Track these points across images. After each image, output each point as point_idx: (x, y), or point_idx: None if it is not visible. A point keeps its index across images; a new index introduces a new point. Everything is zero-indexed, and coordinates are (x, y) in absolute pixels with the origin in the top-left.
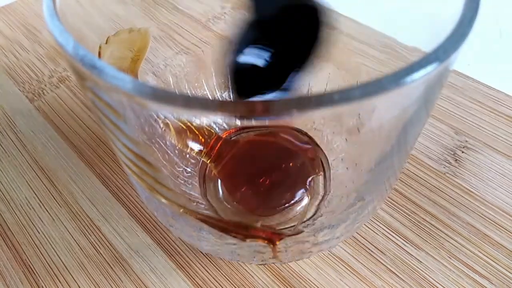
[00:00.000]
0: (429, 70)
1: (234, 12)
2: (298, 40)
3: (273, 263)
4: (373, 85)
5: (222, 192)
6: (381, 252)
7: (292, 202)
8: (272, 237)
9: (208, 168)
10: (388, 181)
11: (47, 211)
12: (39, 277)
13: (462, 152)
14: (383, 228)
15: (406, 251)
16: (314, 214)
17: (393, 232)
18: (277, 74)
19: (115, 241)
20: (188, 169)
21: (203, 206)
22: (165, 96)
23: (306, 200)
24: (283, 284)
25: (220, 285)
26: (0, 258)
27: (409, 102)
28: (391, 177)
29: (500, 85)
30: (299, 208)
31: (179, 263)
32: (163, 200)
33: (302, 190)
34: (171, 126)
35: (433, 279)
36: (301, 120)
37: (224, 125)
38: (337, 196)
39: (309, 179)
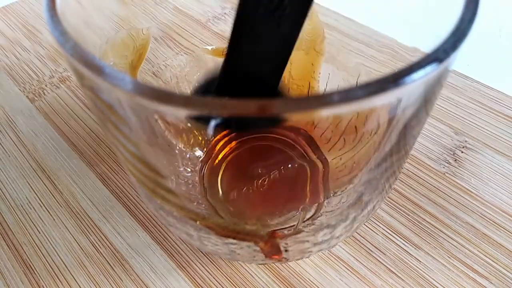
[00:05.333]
0: (429, 70)
1: (234, 12)
2: None
3: (273, 262)
4: (373, 85)
5: (222, 193)
6: (381, 251)
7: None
8: (275, 255)
9: (207, 168)
10: (388, 181)
11: (47, 211)
12: (40, 276)
13: (462, 152)
14: (382, 228)
15: (406, 250)
16: (313, 214)
17: (393, 232)
18: None
19: (115, 241)
20: (189, 169)
21: (203, 206)
22: (165, 96)
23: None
24: (283, 283)
25: (220, 285)
26: (1, 258)
27: (408, 103)
28: (391, 177)
29: (499, 85)
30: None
31: (180, 263)
32: (162, 202)
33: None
34: (171, 126)
35: (432, 278)
36: (301, 120)
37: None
38: (336, 196)
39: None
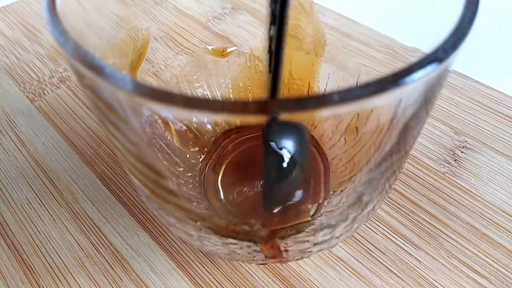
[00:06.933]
0: (429, 70)
1: (234, 12)
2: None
3: (273, 263)
4: (373, 85)
5: (222, 193)
6: (381, 251)
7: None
8: (275, 255)
9: (208, 168)
10: (388, 181)
11: (47, 211)
12: (40, 276)
13: (462, 152)
14: (382, 228)
15: (406, 250)
16: (314, 214)
17: (393, 232)
18: None
19: (115, 241)
20: (189, 169)
21: (203, 206)
22: (165, 96)
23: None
24: (283, 283)
25: (220, 285)
26: (1, 258)
27: (408, 103)
28: (391, 177)
29: (499, 85)
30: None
31: (179, 263)
32: (162, 202)
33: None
34: (171, 126)
35: (432, 278)
36: (301, 120)
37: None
38: (336, 196)
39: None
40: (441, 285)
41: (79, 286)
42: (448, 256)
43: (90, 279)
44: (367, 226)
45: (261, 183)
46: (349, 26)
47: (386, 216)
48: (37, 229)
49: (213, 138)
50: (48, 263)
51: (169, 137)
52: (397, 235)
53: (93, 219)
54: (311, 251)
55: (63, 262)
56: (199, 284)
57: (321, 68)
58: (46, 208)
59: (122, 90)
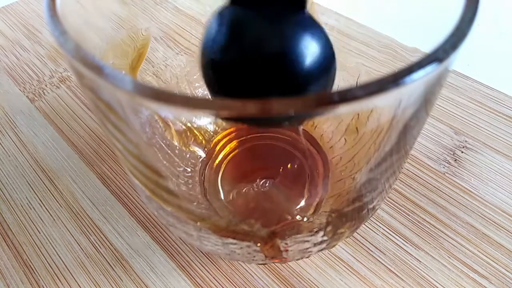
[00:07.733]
0: (429, 70)
1: None
2: None
3: (273, 263)
4: (373, 85)
5: (222, 193)
6: (381, 251)
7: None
8: (275, 255)
9: (208, 168)
10: (388, 181)
11: (47, 211)
12: (40, 276)
13: (462, 152)
14: (382, 228)
15: (406, 250)
16: (313, 213)
17: (393, 232)
18: None
19: (115, 241)
20: (188, 169)
21: (203, 206)
22: (165, 96)
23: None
24: (283, 283)
25: (220, 285)
26: (1, 258)
27: (408, 103)
28: (391, 177)
29: (499, 86)
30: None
31: (180, 263)
32: (162, 203)
33: (300, 193)
34: (171, 126)
35: (432, 278)
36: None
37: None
38: (336, 196)
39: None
40: (441, 285)
41: (79, 286)
42: (448, 256)
43: (90, 279)
44: (367, 226)
45: (263, 181)
46: (349, 26)
47: (386, 216)
48: (37, 229)
49: (213, 138)
50: (48, 263)
51: (169, 137)
52: (397, 235)
53: (93, 219)
54: (311, 251)
55: (63, 262)
56: (199, 284)
57: None
58: (46, 208)
59: (122, 90)
